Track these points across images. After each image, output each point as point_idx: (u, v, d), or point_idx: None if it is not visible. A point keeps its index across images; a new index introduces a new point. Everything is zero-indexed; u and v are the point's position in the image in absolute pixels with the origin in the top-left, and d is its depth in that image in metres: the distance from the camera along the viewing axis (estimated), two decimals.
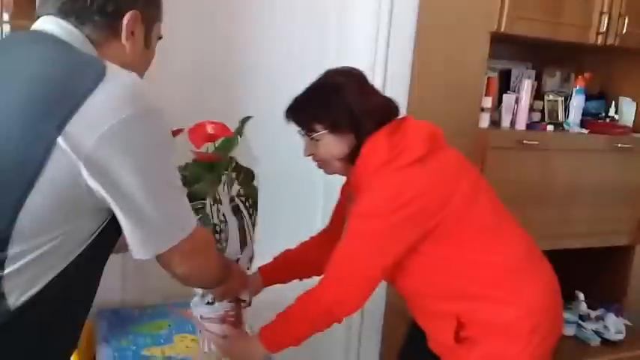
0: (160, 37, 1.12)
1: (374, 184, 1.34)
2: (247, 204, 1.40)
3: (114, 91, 0.86)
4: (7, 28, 1.55)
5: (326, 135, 1.39)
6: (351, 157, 1.40)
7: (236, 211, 1.38)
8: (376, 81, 2.09)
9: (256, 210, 1.42)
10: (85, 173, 0.84)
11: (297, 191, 2.13)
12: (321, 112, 1.39)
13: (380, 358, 2.34)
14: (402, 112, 1.47)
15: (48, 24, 0.96)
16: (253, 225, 1.42)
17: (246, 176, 1.41)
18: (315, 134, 1.40)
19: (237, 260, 1.41)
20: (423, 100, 2.12)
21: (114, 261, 1.73)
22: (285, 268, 1.67)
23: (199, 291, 1.42)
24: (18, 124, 0.84)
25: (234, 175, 1.38)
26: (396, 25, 2.08)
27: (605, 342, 2.34)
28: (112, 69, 0.89)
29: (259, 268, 1.63)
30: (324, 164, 1.46)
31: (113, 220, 0.93)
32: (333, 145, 1.40)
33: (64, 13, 0.95)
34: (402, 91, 2.14)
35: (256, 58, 2.01)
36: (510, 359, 1.39)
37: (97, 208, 0.90)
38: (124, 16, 0.99)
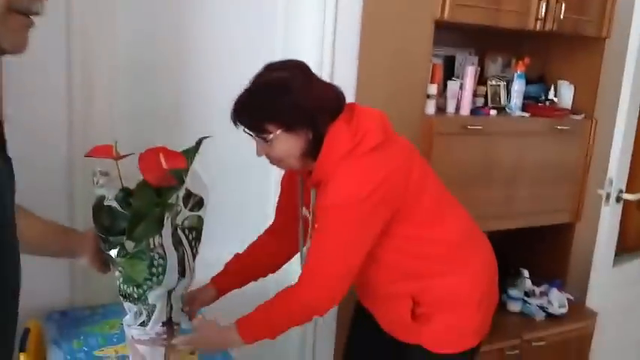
0: None
1: (340, 174, 1.32)
2: (191, 236, 1.29)
3: None
4: None
5: (280, 135, 1.33)
6: (309, 152, 1.36)
7: (177, 244, 1.26)
8: (324, 69, 2.09)
9: (199, 241, 1.31)
10: None
11: (248, 181, 2.12)
12: (272, 114, 1.32)
13: (335, 344, 2.37)
14: (348, 98, 1.46)
15: None
16: (194, 256, 1.31)
17: (195, 204, 1.30)
18: (269, 135, 1.33)
19: (172, 290, 1.30)
20: (371, 88, 2.14)
21: (61, 262, 1.71)
22: (239, 273, 1.61)
23: (133, 309, 1.31)
24: None
25: (181, 204, 1.26)
26: (342, 14, 2.09)
27: (550, 316, 2.45)
28: None
29: (212, 279, 1.57)
30: (279, 162, 1.40)
31: None
32: (290, 143, 1.34)
33: None
34: (349, 80, 2.14)
35: (201, 53, 1.98)
36: (462, 328, 1.47)
37: None
38: None
